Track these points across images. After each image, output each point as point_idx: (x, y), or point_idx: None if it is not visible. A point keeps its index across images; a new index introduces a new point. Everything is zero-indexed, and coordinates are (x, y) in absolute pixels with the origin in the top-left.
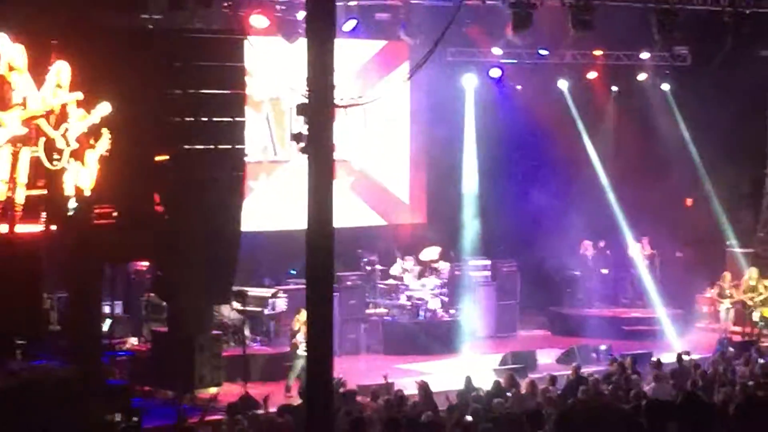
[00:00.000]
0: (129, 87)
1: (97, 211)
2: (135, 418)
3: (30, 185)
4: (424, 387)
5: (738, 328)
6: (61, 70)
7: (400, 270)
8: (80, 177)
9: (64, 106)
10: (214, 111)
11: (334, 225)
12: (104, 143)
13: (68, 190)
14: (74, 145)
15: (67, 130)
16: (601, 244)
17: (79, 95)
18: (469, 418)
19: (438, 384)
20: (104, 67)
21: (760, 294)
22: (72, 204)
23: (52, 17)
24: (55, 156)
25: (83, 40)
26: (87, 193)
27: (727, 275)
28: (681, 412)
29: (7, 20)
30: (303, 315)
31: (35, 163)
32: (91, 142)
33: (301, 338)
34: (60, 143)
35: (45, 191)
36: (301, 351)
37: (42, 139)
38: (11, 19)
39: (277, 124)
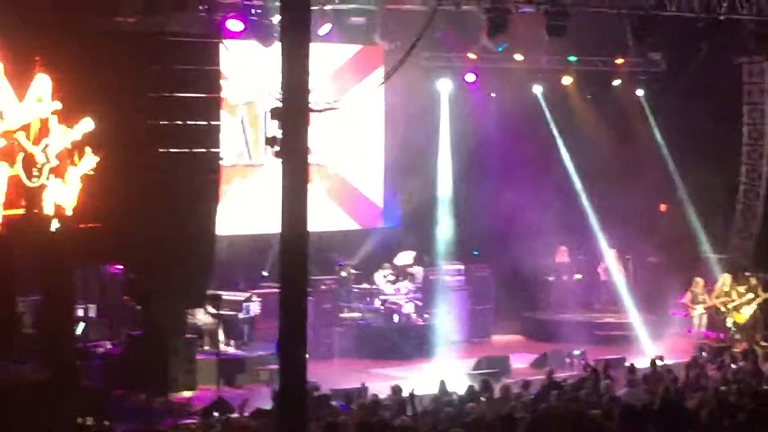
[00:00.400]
0: (107, 92)
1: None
2: (107, 422)
3: (9, 204)
4: (396, 391)
5: (711, 334)
6: (42, 83)
7: (382, 279)
8: (61, 195)
9: (44, 121)
10: (190, 114)
11: (308, 229)
12: (88, 162)
13: (47, 208)
14: (54, 162)
15: (47, 145)
16: (578, 253)
17: (58, 105)
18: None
19: (412, 388)
20: (83, 72)
21: (733, 300)
22: (54, 225)
23: (34, 24)
24: (35, 172)
25: (62, 46)
26: (69, 212)
27: (701, 281)
28: (657, 417)
29: None
30: None
31: (15, 182)
32: (75, 159)
33: None
34: (40, 158)
35: (23, 210)
36: None
37: (20, 155)
38: None
39: (252, 128)
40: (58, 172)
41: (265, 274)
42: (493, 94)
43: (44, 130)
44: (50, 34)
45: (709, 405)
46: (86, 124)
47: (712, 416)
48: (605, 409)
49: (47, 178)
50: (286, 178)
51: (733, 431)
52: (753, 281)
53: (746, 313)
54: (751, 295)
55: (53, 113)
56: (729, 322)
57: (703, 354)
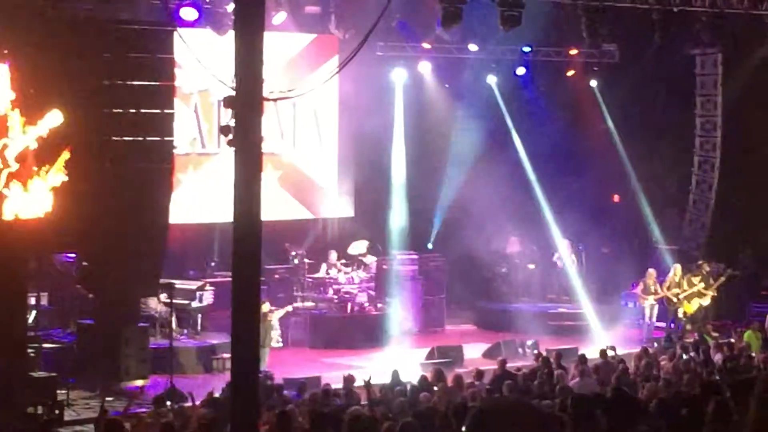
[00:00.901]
0: (60, 81)
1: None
2: (57, 411)
3: None
4: (349, 381)
5: (662, 324)
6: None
7: (325, 271)
8: (23, 206)
9: (2, 119)
10: (143, 103)
11: (261, 218)
12: (58, 175)
13: (6, 215)
14: (15, 166)
15: (5, 146)
16: (530, 243)
17: (11, 95)
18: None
19: (364, 378)
20: (38, 60)
21: (685, 290)
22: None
23: None
24: None
25: (16, 34)
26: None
27: (652, 272)
28: (609, 406)
29: None
30: None
31: None
32: (43, 170)
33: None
34: None
35: None
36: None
37: None
38: None
39: (205, 116)
40: (20, 177)
41: (213, 263)
42: (447, 85)
43: (2, 128)
44: (4, 22)
45: (659, 395)
46: (53, 118)
47: (661, 406)
48: (557, 400)
49: (6, 186)
50: (239, 167)
51: (682, 421)
52: (705, 269)
53: (696, 304)
54: (702, 285)
55: (12, 107)
56: (680, 313)
57: (654, 344)
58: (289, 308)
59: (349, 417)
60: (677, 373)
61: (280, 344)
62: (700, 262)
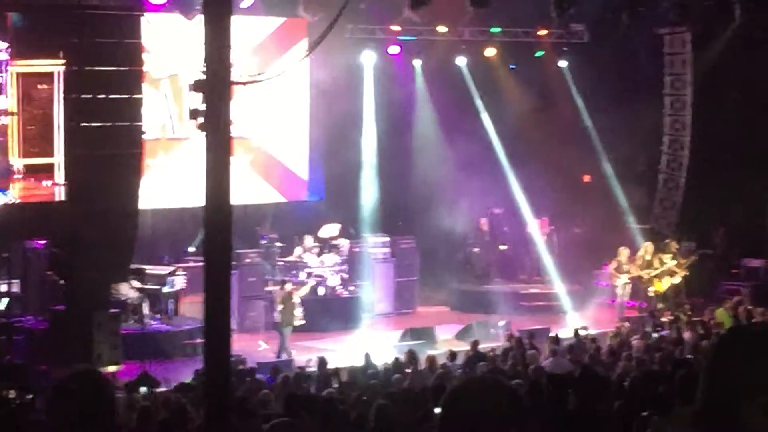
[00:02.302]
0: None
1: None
2: (29, 396)
3: None
4: (323, 363)
5: (634, 303)
6: None
7: (300, 253)
8: None
9: None
10: (112, 88)
11: (232, 202)
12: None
13: None
14: None
15: None
16: (497, 211)
17: None
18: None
19: (338, 361)
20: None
21: (656, 269)
22: None
23: None
24: None
25: None
26: None
27: (624, 251)
28: (577, 384)
29: None
30: None
31: None
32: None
33: None
34: None
35: None
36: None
37: None
38: None
39: (175, 101)
40: None
41: (192, 249)
42: (416, 66)
43: None
44: None
45: (631, 374)
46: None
47: (634, 384)
48: (529, 379)
49: None
50: (210, 151)
51: (654, 399)
52: (675, 247)
53: (668, 282)
54: (673, 263)
55: None
56: (650, 291)
57: (626, 324)
58: (312, 282)
59: (323, 400)
60: (649, 351)
61: (303, 322)
62: (668, 240)
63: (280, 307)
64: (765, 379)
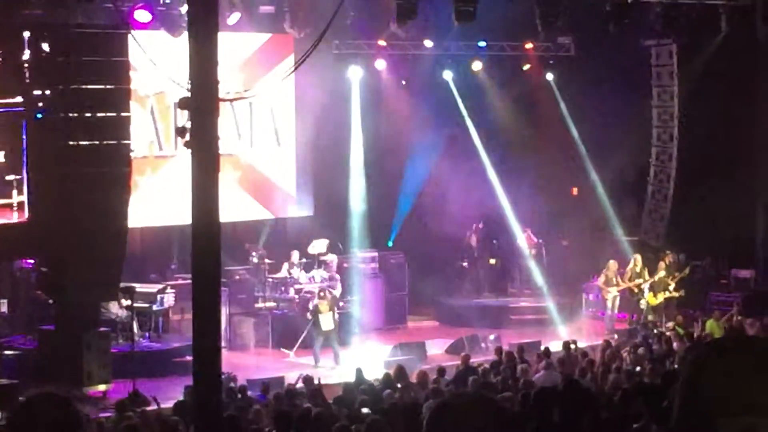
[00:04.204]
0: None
1: None
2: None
3: None
4: (309, 380)
5: (624, 316)
6: None
7: (288, 269)
8: None
9: None
10: (99, 106)
11: (220, 219)
12: None
13: None
14: None
15: None
16: (480, 225)
17: None
18: (365, 410)
19: (328, 377)
20: None
21: (646, 281)
22: None
23: None
24: None
25: None
26: None
27: (613, 263)
28: (562, 398)
29: None
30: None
31: None
32: None
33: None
34: None
35: None
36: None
37: None
38: None
39: (162, 118)
40: None
41: (173, 266)
42: (403, 81)
43: None
44: None
45: (622, 386)
46: None
47: (624, 397)
48: (520, 393)
49: None
50: (197, 169)
51: (646, 411)
52: (668, 260)
53: (662, 297)
54: (663, 274)
55: None
56: (642, 304)
57: (616, 336)
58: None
59: (314, 417)
60: (640, 363)
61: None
62: (667, 252)
63: (329, 314)
64: (741, 398)
